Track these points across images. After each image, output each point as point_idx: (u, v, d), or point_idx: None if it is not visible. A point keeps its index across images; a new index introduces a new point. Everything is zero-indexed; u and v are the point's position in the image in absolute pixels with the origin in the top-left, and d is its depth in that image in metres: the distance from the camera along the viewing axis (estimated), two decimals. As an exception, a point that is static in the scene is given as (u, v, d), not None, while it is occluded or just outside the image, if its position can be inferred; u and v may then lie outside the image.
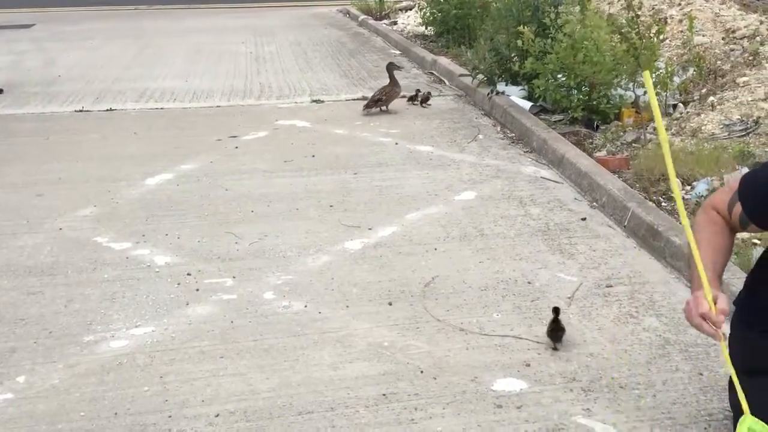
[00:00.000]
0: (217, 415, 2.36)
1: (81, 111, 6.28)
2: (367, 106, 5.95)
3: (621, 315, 2.95)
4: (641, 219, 3.63)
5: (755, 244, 3.33)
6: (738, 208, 1.95)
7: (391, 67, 6.06)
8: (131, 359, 2.67)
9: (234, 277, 3.26)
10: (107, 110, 6.30)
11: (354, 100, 6.53)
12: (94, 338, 2.80)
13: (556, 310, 2.73)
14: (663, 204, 3.91)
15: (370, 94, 6.22)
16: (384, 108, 5.94)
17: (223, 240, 3.64)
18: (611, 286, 3.17)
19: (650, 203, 3.83)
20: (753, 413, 1.90)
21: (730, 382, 2.32)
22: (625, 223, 3.75)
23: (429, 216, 3.92)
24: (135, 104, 6.49)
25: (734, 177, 1.96)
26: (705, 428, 2.29)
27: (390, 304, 3.03)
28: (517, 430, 2.29)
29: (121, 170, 4.69)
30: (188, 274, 3.29)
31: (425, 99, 6.19)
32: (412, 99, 6.23)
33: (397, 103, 6.05)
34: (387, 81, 6.09)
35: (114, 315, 2.96)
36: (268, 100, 6.59)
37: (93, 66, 8.34)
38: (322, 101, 6.50)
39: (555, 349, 2.69)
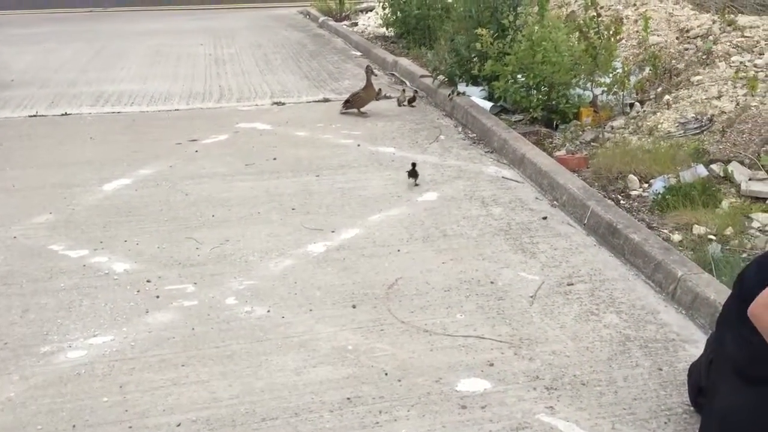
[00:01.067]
0: (179, 425, 2.32)
1: (35, 116, 6.14)
2: (344, 106, 6.00)
3: (582, 312, 2.98)
4: (600, 217, 3.68)
5: (711, 240, 3.40)
6: None
7: (368, 71, 6.04)
8: (90, 369, 2.61)
9: (195, 283, 3.22)
10: (62, 115, 6.17)
11: (315, 102, 6.50)
12: (51, 349, 2.74)
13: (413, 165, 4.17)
14: (621, 202, 3.97)
15: (332, 96, 6.17)
16: (358, 111, 5.94)
17: (184, 245, 3.59)
18: (572, 284, 3.21)
19: (609, 201, 3.88)
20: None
21: (689, 377, 2.37)
22: (585, 222, 3.79)
23: (392, 217, 3.92)
24: (91, 108, 6.37)
25: None
26: (665, 423, 2.32)
27: (354, 306, 3.02)
28: (481, 430, 2.29)
29: (78, 176, 4.59)
30: (148, 281, 3.23)
31: (412, 99, 6.18)
32: (398, 101, 6.25)
33: (369, 105, 6.02)
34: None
35: (71, 324, 2.90)
36: (228, 103, 6.53)
37: (47, 70, 8.16)
38: (284, 103, 6.46)
39: (416, 185, 3.75)
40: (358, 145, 5.16)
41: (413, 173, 4.35)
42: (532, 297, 3.10)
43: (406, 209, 4.03)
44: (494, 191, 4.28)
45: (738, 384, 1.76)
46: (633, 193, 4.07)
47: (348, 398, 2.44)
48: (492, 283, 3.22)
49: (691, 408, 2.34)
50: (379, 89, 6.39)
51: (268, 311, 2.98)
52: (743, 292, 1.92)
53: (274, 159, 4.87)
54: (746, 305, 1.87)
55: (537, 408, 2.40)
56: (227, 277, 3.27)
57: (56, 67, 8.37)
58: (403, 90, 6.17)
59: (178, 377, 2.56)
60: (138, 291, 3.15)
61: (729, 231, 3.42)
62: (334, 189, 4.33)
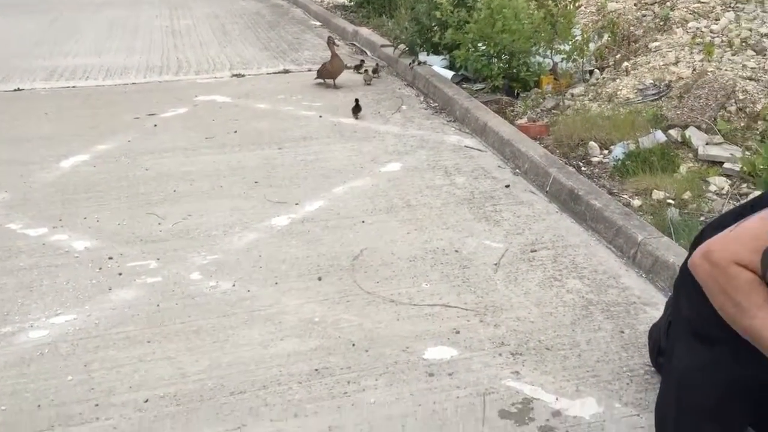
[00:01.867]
0: (146, 401, 2.31)
1: (-14, 91, 5.96)
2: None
3: (546, 279, 3.02)
4: (562, 184, 3.72)
5: (669, 204, 3.46)
6: None
7: (330, 42, 5.95)
8: (53, 349, 2.57)
9: (158, 259, 3.18)
10: (15, 90, 5.99)
11: (276, 73, 6.42)
12: (12, 329, 2.69)
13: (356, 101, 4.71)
14: (583, 169, 4.01)
15: (292, 67, 6.09)
16: (327, 82, 5.87)
17: (145, 221, 3.54)
18: (536, 251, 3.25)
19: (570, 168, 3.92)
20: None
21: (650, 339, 2.43)
22: (547, 189, 3.83)
23: (355, 189, 3.91)
24: (45, 83, 6.20)
25: (744, 228, 1.71)
26: (627, 383, 2.38)
27: (319, 279, 3.02)
28: (449, 397, 2.33)
29: (33, 153, 4.48)
30: (110, 258, 3.19)
31: (375, 71, 6.11)
32: (356, 68, 6.19)
33: (341, 78, 5.94)
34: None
35: (32, 304, 2.85)
36: (186, 76, 6.41)
37: (-3, 43, 7.91)
38: (243, 75, 6.36)
39: (358, 118, 4.11)
40: (320, 117, 5.12)
41: (356, 108, 4.80)
42: (496, 265, 3.13)
43: (369, 180, 4.02)
44: (457, 160, 4.29)
45: (694, 344, 1.81)
46: (594, 159, 4.12)
47: (316, 369, 2.45)
48: (456, 251, 3.25)
49: (652, 368, 2.41)
50: (362, 61, 6.36)
51: (234, 285, 2.97)
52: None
53: (235, 132, 4.81)
54: None
55: (503, 373, 2.44)
56: (191, 252, 3.24)
57: (7, 39, 8.11)
58: (366, 70, 6.10)
59: (143, 354, 2.54)
60: (100, 268, 3.10)
61: (687, 195, 3.49)
62: (297, 161, 4.30)
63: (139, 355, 2.53)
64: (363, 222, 3.53)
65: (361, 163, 4.27)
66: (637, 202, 3.55)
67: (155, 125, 4.99)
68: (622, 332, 2.66)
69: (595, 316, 2.76)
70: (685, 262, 2.08)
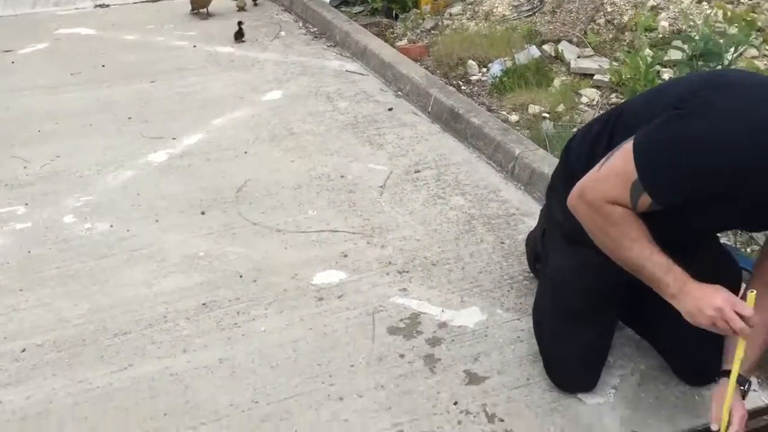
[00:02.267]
0: (24, 350, 2.21)
1: None
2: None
3: (430, 197, 3.07)
4: (443, 104, 3.75)
5: (545, 117, 3.56)
6: (646, 198, 1.66)
7: None
8: None
9: (26, 204, 3.00)
10: None
11: (144, 1, 6.05)
12: None
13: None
14: (463, 88, 4.05)
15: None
16: (201, 12, 5.56)
17: (9, 165, 3.31)
18: (419, 171, 3.28)
19: (450, 88, 3.95)
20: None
21: (527, 246, 2.53)
22: (429, 110, 3.86)
23: (236, 119, 3.80)
24: None
25: (610, 167, 1.73)
26: (508, 290, 2.48)
27: (202, 213, 2.94)
28: (339, 319, 2.35)
29: None
30: (-28, 207, 2.98)
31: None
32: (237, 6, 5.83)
33: (215, 5, 5.62)
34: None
35: None
36: (44, 8, 5.92)
37: None
38: (107, 5, 5.95)
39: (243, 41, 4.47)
40: (194, 47, 4.89)
41: (239, 33, 4.81)
42: (381, 187, 3.15)
43: (250, 110, 3.91)
44: (339, 85, 4.24)
45: (566, 247, 1.89)
46: (473, 78, 4.16)
47: (203, 304, 2.41)
48: (342, 177, 3.23)
49: (531, 274, 2.51)
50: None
51: (111, 226, 2.85)
52: (569, 163, 2.04)
53: (103, 66, 4.53)
54: (571, 175, 2.00)
55: (391, 291, 2.48)
56: (62, 195, 3.07)
57: None
58: None
59: (17, 303, 2.41)
60: (-39, 219, 2.90)
61: (561, 108, 3.60)
62: (173, 94, 4.12)
63: (12, 305, 2.40)
64: (245, 153, 3.45)
65: (241, 93, 4.14)
66: (514, 117, 3.64)
67: (13, 62, 4.62)
68: (503, 243, 2.75)
69: (477, 229, 2.84)
70: (556, 170, 2.17)
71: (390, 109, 3.92)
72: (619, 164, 1.69)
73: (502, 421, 1.97)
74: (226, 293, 2.46)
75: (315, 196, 3.07)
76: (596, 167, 1.75)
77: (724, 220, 1.84)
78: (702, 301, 1.63)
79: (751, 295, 1.64)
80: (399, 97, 4.09)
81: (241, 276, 2.55)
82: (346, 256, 2.68)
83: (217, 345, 2.23)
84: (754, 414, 1.97)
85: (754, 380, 2.10)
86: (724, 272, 1.93)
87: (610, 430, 1.94)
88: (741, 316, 1.59)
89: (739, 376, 1.70)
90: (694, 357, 1.96)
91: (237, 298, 2.44)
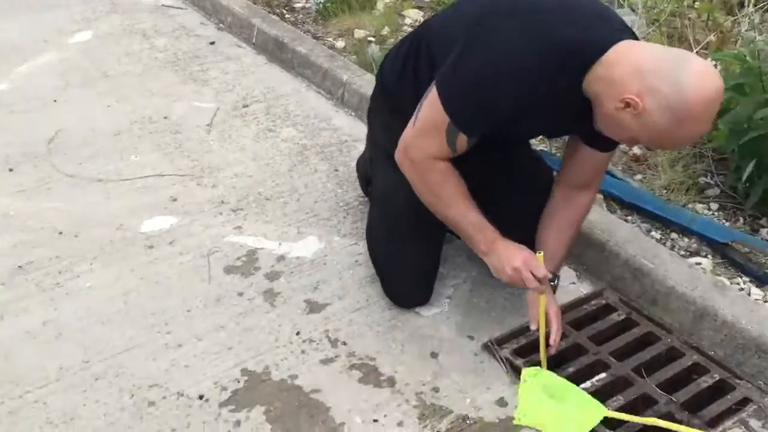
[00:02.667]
0: None
1: None
2: None
3: (260, 131, 2.99)
4: (267, 34, 3.63)
5: (370, 41, 3.54)
6: (462, 137, 1.71)
7: None
8: None
9: None
10: None
11: None
12: None
13: None
14: (287, 16, 3.93)
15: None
16: None
17: None
18: (248, 106, 3.18)
19: (274, 17, 3.82)
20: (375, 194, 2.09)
21: (358, 171, 2.53)
22: (254, 41, 3.72)
23: (42, 66, 3.48)
24: None
25: (423, 119, 1.75)
26: (344, 216, 2.49)
27: (11, 170, 2.69)
28: (172, 265, 2.26)
29: None
30: None
31: None
32: None
33: None
34: None
35: None
36: None
37: None
38: None
39: None
40: (-14, -12, 4.39)
41: None
42: (208, 125, 3.02)
43: (57, 54, 3.59)
44: (155, 21, 3.98)
45: (389, 167, 1.90)
46: (297, 5, 4.05)
47: (19, 266, 2.22)
48: (165, 118, 3.07)
49: (365, 198, 2.52)
50: None
51: None
52: (384, 83, 2.03)
53: None
54: (386, 96, 2.00)
55: (225, 231, 2.41)
56: None
57: None
58: None
59: None
60: None
61: (386, 31, 3.59)
62: (-35, 42, 3.70)
63: None
64: (55, 101, 3.17)
65: (45, 36, 3.78)
66: (340, 43, 3.59)
67: None
68: (337, 170, 2.74)
69: (310, 159, 2.81)
70: (374, 91, 2.15)
71: (212, 43, 3.75)
72: (429, 114, 1.73)
73: (345, 344, 1.99)
74: (44, 252, 2.29)
75: (137, 141, 2.90)
76: (411, 121, 1.78)
77: (537, 130, 1.95)
78: (504, 260, 1.76)
79: (539, 255, 1.76)
80: (221, 30, 3.91)
81: (60, 233, 2.37)
82: (175, 200, 2.56)
83: (38, 308, 2.08)
84: (573, 305, 2.13)
85: (572, 273, 2.26)
86: (538, 175, 2.05)
87: (447, 338, 2.02)
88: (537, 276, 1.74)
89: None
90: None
91: (57, 256, 2.27)
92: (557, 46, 1.58)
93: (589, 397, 1.80)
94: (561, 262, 1.95)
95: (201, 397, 1.82)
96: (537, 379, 1.83)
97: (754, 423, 1.80)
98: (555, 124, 1.84)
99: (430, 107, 1.71)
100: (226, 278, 2.21)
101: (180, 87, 3.32)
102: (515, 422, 1.77)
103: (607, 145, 1.80)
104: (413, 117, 1.78)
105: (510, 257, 1.75)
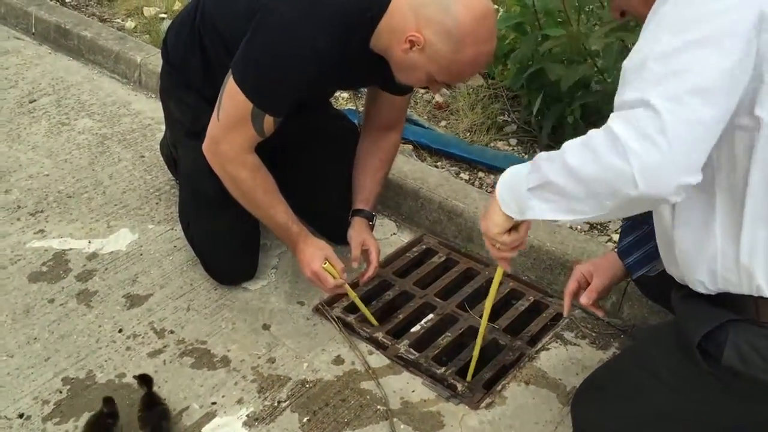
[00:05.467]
0: None
1: None
2: None
3: (53, 126, 2.78)
4: (47, 21, 3.37)
5: (163, 18, 3.38)
6: (268, 119, 1.71)
7: None
8: None
9: None
10: None
11: None
12: None
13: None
14: (67, 1, 3.66)
15: None
16: None
17: None
18: (35, 101, 2.94)
19: (52, 2, 3.55)
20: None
21: (163, 154, 2.43)
22: (33, 31, 3.44)
23: None
24: None
25: (226, 111, 1.72)
26: (156, 203, 2.38)
27: None
28: (-32, 283, 2.06)
29: None
30: None
31: None
32: None
33: None
34: None
35: None
36: None
37: None
38: None
39: None
40: None
41: None
42: (-8, 127, 2.77)
43: None
44: None
45: (190, 142, 1.85)
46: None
47: None
48: (-60, 125, 2.77)
49: (176, 181, 2.42)
50: None
51: None
52: (169, 58, 1.97)
53: None
54: (175, 71, 1.94)
55: (26, 237, 2.23)
56: None
57: None
58: None
59: None
60: None
61: (177, 5, 3.44)
62: None
63: None
64: None
65: None
66: (130, 23, 3.40)
67: None
68: (143, 157, 2.62)
69: (112, 149, 2.66)
70: (162, 68, 2.06)
71: (-17, 36, 3.42)
72: (231, 104, 1.70)
73: (172, 332, 1.92)
74: None
75: None
76: (215, 115, 1.74)
77: (336, 90, 1.99)
78: (303, 263, 1.85)
79: (327, 267, 1.83)
80: (-5, 22, 3.58)
81: None
82: (-37, 212, 2.33)
83: None
84: (397, 255, 2.19)
85: (392, 225, 2.32)
86: (340, 129, 2.13)
87: (277, 308, 2.01)
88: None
89: (366, 212, 1.99)
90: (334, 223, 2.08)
91: None
92: (342, 14, 1.62)
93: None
94: (376, 202, 2.05)
95: (21, 416, 1.69)
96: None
97: (567, 334, 1.96)
98: (352, 81, 1.94)
99: (231, 97, 1.69)
100: (33, 287, 2.05)
101: (-47, 89, 3.00)
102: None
103: (403, 89, 1.88)
104: (216, 109, 1.74)
105: (310, 258, 1.82)
